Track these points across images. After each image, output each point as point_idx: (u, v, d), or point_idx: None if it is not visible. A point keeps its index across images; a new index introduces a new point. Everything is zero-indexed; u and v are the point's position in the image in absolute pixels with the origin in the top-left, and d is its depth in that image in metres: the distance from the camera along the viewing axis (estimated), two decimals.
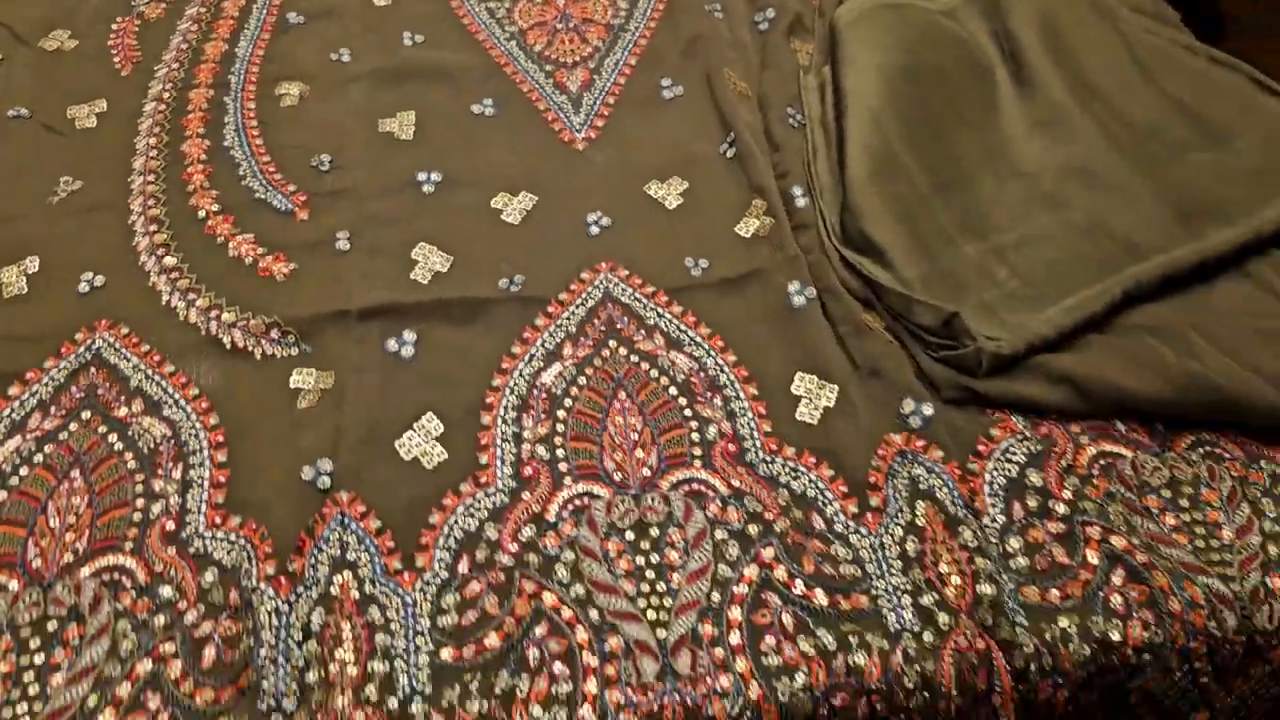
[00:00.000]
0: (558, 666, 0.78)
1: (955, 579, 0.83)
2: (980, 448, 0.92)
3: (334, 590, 0.81)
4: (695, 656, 0.78)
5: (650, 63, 1.27)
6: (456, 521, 0.86)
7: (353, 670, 0.77)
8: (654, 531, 0.86)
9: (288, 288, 1.02)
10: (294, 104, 1.21)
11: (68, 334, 0.97)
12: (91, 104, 1.19)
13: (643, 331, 0.99)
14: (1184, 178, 1.11)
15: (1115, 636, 0.81)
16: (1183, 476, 0.91)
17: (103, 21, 1.31)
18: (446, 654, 0.78)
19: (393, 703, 0.76)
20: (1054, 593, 0.83)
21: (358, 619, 0.80)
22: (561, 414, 0.93)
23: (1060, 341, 0.97)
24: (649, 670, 0.78)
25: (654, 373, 0.96)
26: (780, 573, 0.83)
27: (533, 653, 0.79)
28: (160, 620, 0.80)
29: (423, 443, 0.90)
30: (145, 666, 0.77)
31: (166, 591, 0.81)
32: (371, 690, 0.76)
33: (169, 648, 0.78)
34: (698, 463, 0.90)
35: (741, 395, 0.95)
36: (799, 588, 0.83)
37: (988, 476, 0.90)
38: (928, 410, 0.93)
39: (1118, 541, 0.86)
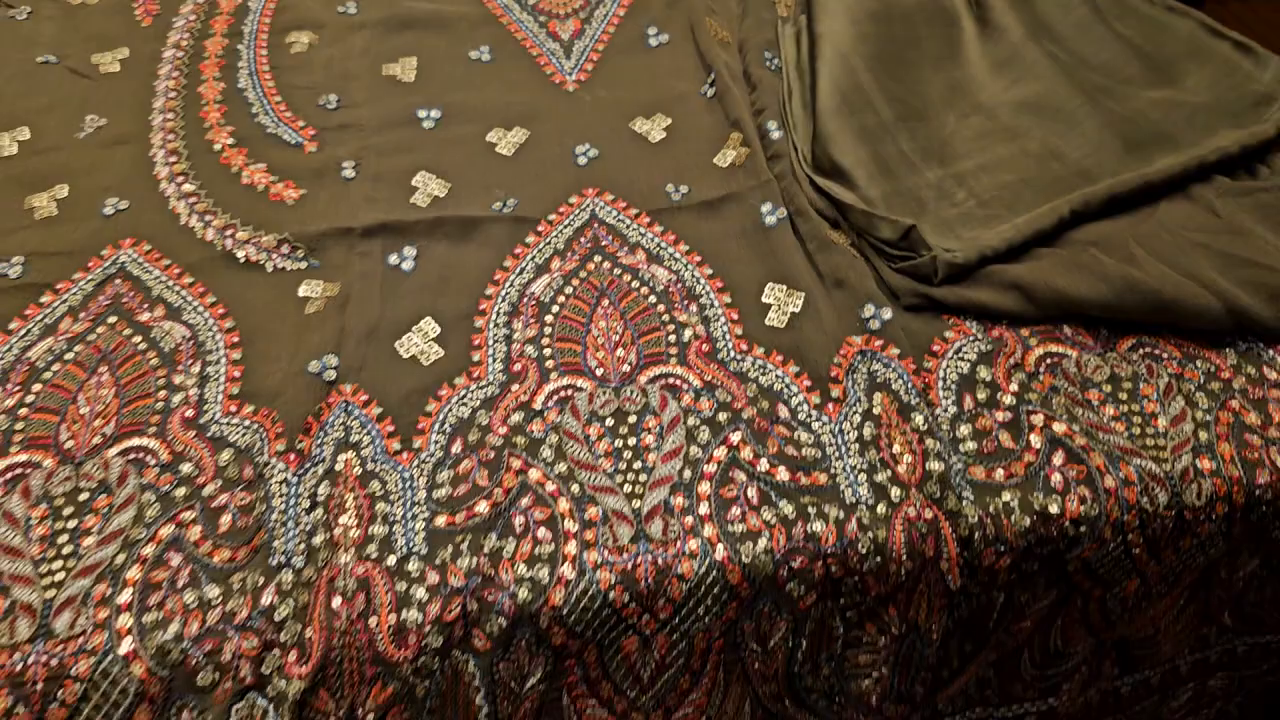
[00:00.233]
0: (541, 531, 0.86)
1: (907, 458, 0.91)
2: (935, 348, 0.99)
3: (338, 467, 0.89)
4: (667, 524, 0.86)
5: (637, 12, 1.35)
6: (451, 409, 0.94)
7: (355, 533, 0.85)
8: (632, 419, 0.93)
9: (297, 210, 1.10)
10: (303, 51, 1.29)
11: (94, 250, 1.06)
12: (114, 51, 1.27)
13: (625, 248, 1.07)
14: (1135, 112, 1.19)
15: (1054, 509, 0.88)
16: (1123, 374, 0.98)
17: None
18: (440, 520, 0.86)
19: (391, 560, 0.83)
20: (999, 472, 0.91)
21: (360, 491, 0.88)
22: (549, 319, 1.01)
23: (1011, 253, 1.04)
24: (624, 535, 0.85)
25: (635, 283, 1.04)
26: (746, 453, 0.91)
27: (519, 520, 0.86)
28: (181, 492, 0.88)
29: (420, 343, 0.98)
30: (167, 530, 0.85)
31: (186, 468, 0.89)
32: (372, 549, 0.84)
33: (189, 515, 0.86)
34: (673, 360, 0.98)
35: (716, 303, 1.03)
36: (763, 465, 0.90)
37: (941, 373, 0.97)
38: (887, 315, 1.01)
39: (1059, 428, 0.93)
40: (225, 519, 0.86)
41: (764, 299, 1.03)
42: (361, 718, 0.80)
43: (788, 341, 0.99)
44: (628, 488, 0.88)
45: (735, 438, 0.92)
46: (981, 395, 0.95)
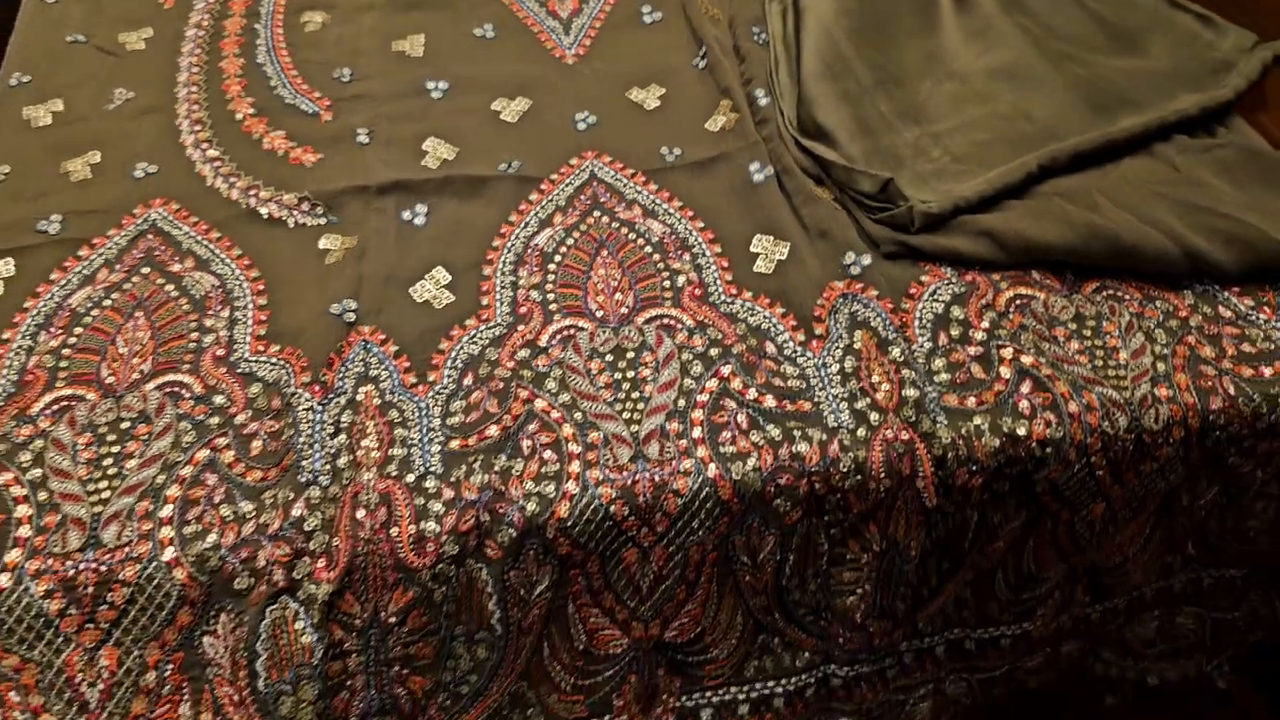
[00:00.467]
0: (547, 453, 0.93)
1: (884, 386, 0.98)
2: (912, 290, 1.07)
3: (359, 398, 0.96)
4: (663, 445, 0.93)
5: None
6: (462, 348, 1.01)
7: (376, 454, 0.92)
8: (630, 355, 1.01)
9: (315, 171, 1.18)
10: (316, 29, 1.37)
11: (127, 209, 1.13)
12: (139, 31, 1.35)
13: (623, 204, 1.15)
14: (1100, 77, 1.26)
15: (1021, 432, 0.96)
16: (1087, 313, 1.06)
17: None
18: (454, 444, 0.94)
19: (410, 478, 0.91)
20: (971, 400, 0.98)
21: (380, 419, 0.95)
22: (552, 267, 1.09)
23: (983, 204, 1.11)
24: (624, 455, 0.93)
25: (632, 235, 1.12)
26: (736, 384, 0.98)
27: (526, 442, 0.94)
28: (214, 421, 0.95)
29: (433, 289, 1.06)
30: (203, 454, 0.92)
31: (219, 399, 0.96)
32: (392, 468, 0.91)
33: (222, 441, 0.93)
34: (668, 303, 1.05)
35: (707, 252, 1.10)
36: (752, 394, 0.98)
37: (917, 313, 1.05)
38: (867, 261, 1.08)
39: (1027, 360, 1.01)
40: (256, 444, 0.93)
41: (752, 249, 1.10)
42: (384, 619, 0.87)
43: (774, 286, 1.07)
44: (626, 415, 0.95)
45: (726, 370, 0.99)
46: (955, 332, 1.03)
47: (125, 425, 0.94)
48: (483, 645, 0.92)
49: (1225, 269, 1.07)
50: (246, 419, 0.95)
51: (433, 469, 0.91)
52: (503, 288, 1.06)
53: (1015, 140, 1.18)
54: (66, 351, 1.00)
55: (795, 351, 1.01)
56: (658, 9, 1.40)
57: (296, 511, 0.87)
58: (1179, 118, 1.21)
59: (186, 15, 1.38)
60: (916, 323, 1.03)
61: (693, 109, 1.26)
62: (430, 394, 0.97)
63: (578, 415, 0.95)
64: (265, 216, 1.13)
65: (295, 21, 1.38)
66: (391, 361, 0.99)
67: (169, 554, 0.85)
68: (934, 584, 1.04)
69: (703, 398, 0.97)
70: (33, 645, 0.84)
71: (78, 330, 1.02)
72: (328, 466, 0.91)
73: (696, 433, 0.94)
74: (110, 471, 0.91)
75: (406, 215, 1.13)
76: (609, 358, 1.00)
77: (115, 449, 0.92)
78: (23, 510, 0.87)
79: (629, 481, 0.91)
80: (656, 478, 0.91)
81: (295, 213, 1.13)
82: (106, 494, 0.89)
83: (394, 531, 0.87)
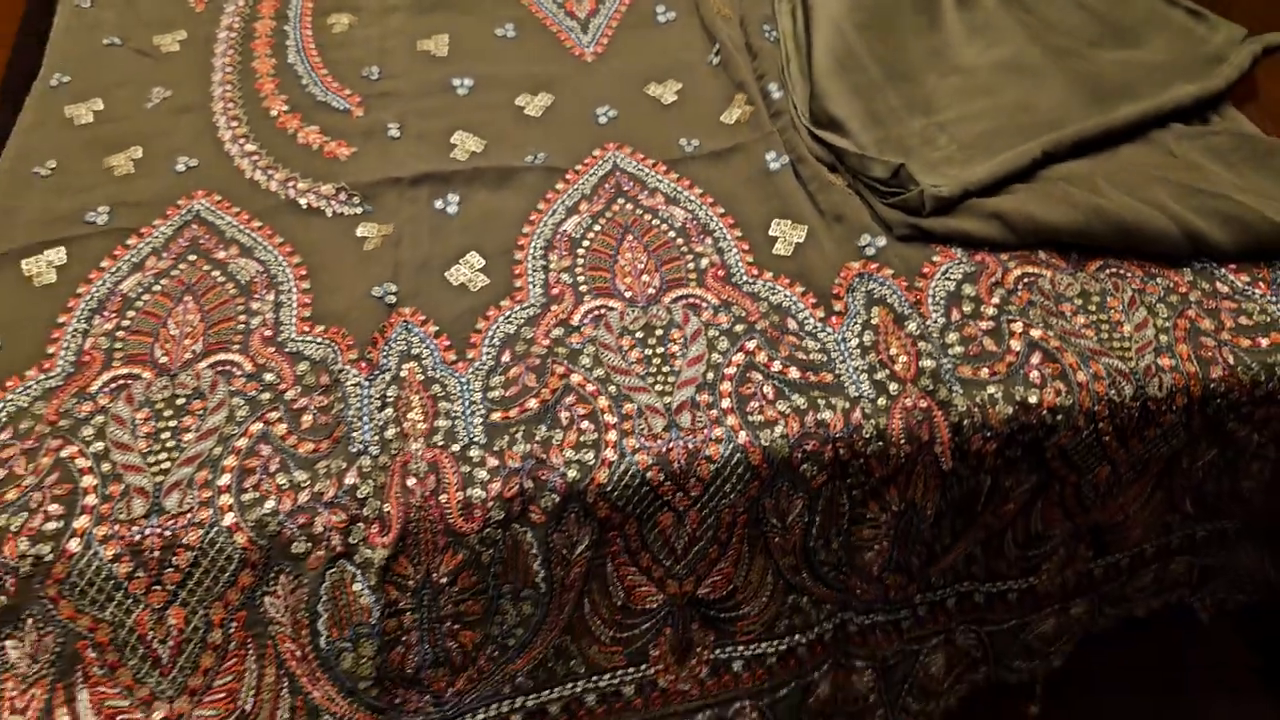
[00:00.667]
0: (585, 424, 0.98)
1: (902, 358, 1.03)
2: (925, 270, 1.12)
3: (403, 374, 1.01)
4: (694, 415, 0.98)
5: None
6: (499, 327, 1.06)
7: (422, 426, 0.97)
8: (659, 332, 1.06)
9: (350, 164, 1.22)
10: (344, 30, 1.42)
11: (171, 201, 1.18)
12: (173, 33, 1.40)
13: (645, 191, 1.20)
14: (1098, 70, 1.33)
15: (1032, 400, 1.01)
16: (1091, 290, 1.11)
17: None
18: (496, 416, 0.98)
19: (456, 447, 0.95)
20: (984, 371, 1.03)
21: (424, 393, 1.00)
22: (580, 251, 1.14)
23: (990, 188, 1.17)
24: (658, 425, 0.98)
25: (655, 221, 1.17)
26: (761, 357, 1.03)
27: (564, 414, 0.98)
28: (266, 397, 0.99)
29: (468, 273, 1.11)
30: (256, 427, 0.97)
31: (269, 377, 1.01)
32: (439, 439, 0.96)
33: (274, 415, 0.98)
34: (693, 284, 1.10)
35: (728, 236, 1.16)
36: (776, 366, 1.03)
37: (931, 290, 1.10)
38: (881, 243, 1.14)
39: (1036, 333, 1.06)
40: (307, 418, 0.98)
41: (771, 232, 1.16)
42: (436, 580, 0.92)
43: (793, 267, 1.12)
44: (658, 387, 1.00)
45: (751, 345, 1.04)
46: (967, 309, 1.08)
47: (180, 401, 0.98)
48: (528, 602, 0.97)
49: (1222, 248, 1.13)
50: (296, 394, 0.99)
51: (476, 440, 0.96)
52: (534, 270, 1.11)
53: (1018, 129, 1.24)
54: (121, 334, 1.04)
55: (816, 327, 1.06)
56: (671, 9, 1.46)
57: (350, 480, 0.92)
58: (1175, 106, 1.27)
59: (217, 18, 1.43)
60: (930, 299, 1.09)
61: (709, 103, 1.32)
62: (470, 370, 1.02)
63: (612, 389, 1.00)
64: (304, 206, 1.18)
65: (323, 23, 1.43)
66: (432, 340, 1.04)
67: (229, 519, 0.89)
68: (947, 542, 1.09)
69: (730, 370, 1.02)
70: (104, 606, 0.88)
71: (130, 314, 1.06)
72: (377, 438, 0.95)
73: (725, 403, 0.99)
74: (169, 444, 0.95)
75: (439, 204, 1.18)
76: (639, 334, 1.05)
77: (172, 423, 0.97)
78: (88, 480, 0.91)
79: (664, 449, 0.96)
80: (690, 445, 0.96)
81: (333, 203, 1.18)
82: (167, 465, 0.93)
83: (443, 498, 0.92)
